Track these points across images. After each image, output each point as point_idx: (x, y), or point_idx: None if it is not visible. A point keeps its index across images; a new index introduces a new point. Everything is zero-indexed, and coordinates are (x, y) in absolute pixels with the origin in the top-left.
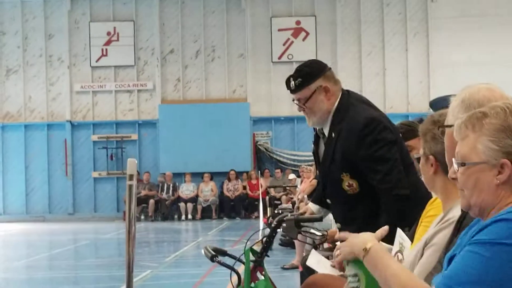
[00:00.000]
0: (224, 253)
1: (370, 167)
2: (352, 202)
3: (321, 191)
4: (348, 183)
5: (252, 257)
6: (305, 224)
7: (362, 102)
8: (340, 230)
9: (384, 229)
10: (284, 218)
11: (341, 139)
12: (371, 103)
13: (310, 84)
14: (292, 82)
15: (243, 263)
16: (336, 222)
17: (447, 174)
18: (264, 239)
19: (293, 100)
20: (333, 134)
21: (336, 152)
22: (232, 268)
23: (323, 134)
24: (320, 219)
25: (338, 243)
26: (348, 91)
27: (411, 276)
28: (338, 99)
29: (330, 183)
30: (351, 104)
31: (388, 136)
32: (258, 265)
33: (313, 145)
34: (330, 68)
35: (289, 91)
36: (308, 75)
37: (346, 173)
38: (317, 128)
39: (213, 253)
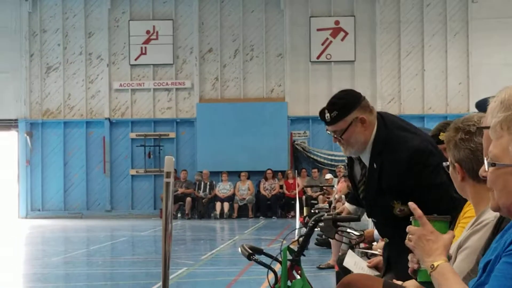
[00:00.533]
0: (260, 252)
1: (422, 195)
2: (402, 223)
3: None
4: (400, 209)
5: (289, 256)
6: (342, 223)
7: (400, 127)
8: (388, 244)
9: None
10: (322, 218)
11: (386, 171)
12: (407, 126)
13: (346, 117)
14: (327, 115)
15: (280, 262)
16: (382, 237)
17: (474, 179)
18: (301, 238)
19: (327, 130)
20: (374, 165)
21: (382, 183)
22: (269, 267)
23: (359, 159)
24: (357, 219)
25: (374, 243)
26: (381, 115)
27: None
28: (376, 128)
29: (378, 209)
30: (390, 132)
31: (434, 161)
32: (295, 264)
33: (347, 168)
34: (364, 98)
35: (324, 121)
36: (343, 108)
37: (397, 201)
38: None
39: (250, 251)
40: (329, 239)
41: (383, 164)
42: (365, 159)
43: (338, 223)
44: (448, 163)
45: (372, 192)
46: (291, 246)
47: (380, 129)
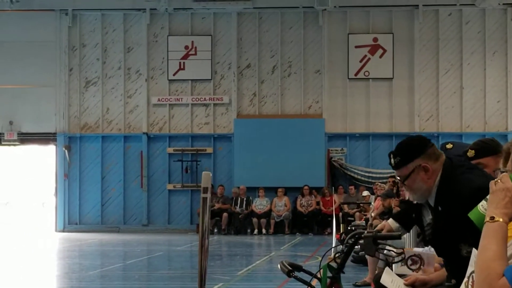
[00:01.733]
0: (300, 269)
1: None
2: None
3: (409, 216)
4: (467, 251)
5: (328, 273)
6: (383, 241)
7: (466, 169)
8: (455, 285)
9: None
10: (362, 235)
11: (450, 213)
12: (473, 166)
13: (408, 164)
14: (392, 160)
15: (319, 279)
16: (451, 277)
17: None
18: (341, 255)
19: (394, 176)
20: (439, 208)
21: (447, 225)
22: (309, 284)
23: (427, 202)
24: (398, 237)
25: (410, 261)
26: (451, 159)
27: (493, 260)
28: (440, 174)
29: (447, 251)
30: (455, 176)
31: None
32: (335, 281)
33: (413, 211)
34: (432, 145)
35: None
36: (406, 154)
37: (464, 243)
38: None
39: (290, 268)
40: (368, 256)
41: (447, 207)
42: (432, 201)
43: (379, 240)
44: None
45: (439, 234)
46: (330, 263)
47: (447, 173)
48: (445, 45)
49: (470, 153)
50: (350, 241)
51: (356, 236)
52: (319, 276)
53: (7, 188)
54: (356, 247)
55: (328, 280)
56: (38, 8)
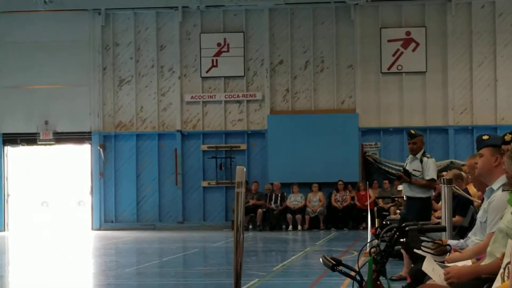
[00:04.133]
0: (339, 263)
1: None
2: None
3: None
4: None
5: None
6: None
7: None
8: None
9: None
10: (407, 227)
11: None
12: None
13: None
14: None
15: (356, 272)
16: None
17: None
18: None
19: None
20: None
21: None
22: (354, 278)
23: None
24: (443, 229)
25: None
26: None
27: None
28: None
29: None
30: None
31: None
32: (380, 275)
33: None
34: None
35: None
36: None
37: None
38: None
39: (334, 262)
40: (414, 249)
41: None
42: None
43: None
44: None
45: None
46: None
47: None
48: (478, 38)
49: (508, 137)
50: (395, 235)
51: (401, 228)
52: (356, 269)
53: (44, 187)
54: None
55: (374, 273)
56: (71, 8)
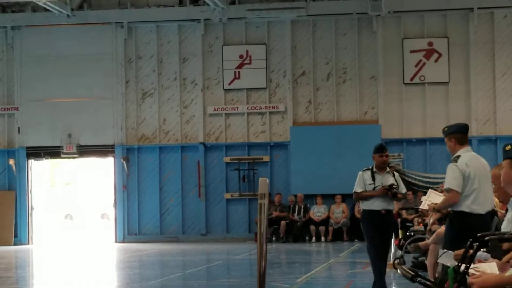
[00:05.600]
0: (417, 274)
1: None
2: None
3: None
4: None
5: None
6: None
7: None
8: None
9: None
10: (487, 238)
11: None
12: None
13: None
14: None
15: (433, 283)
16: None
17: None
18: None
19: None
20: None
21: None
22: (436, 286)
23: None
24: None
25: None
26: None
27: None
28: None
29: None
30: None
31: None
32: (461, 285)
33: None
34: None
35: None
36: None
37: None
38: None
39: (413, 273)
40: (496, 258)
41: None
42: None
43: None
44: None
45: None
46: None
47: None
48: (501, 48)
49: (508, 147)
50: (475, 245)
51: (482, 239)
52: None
53: (68, 200)
54: (480, 251)
55: (455, 284)
56: (94, 21)
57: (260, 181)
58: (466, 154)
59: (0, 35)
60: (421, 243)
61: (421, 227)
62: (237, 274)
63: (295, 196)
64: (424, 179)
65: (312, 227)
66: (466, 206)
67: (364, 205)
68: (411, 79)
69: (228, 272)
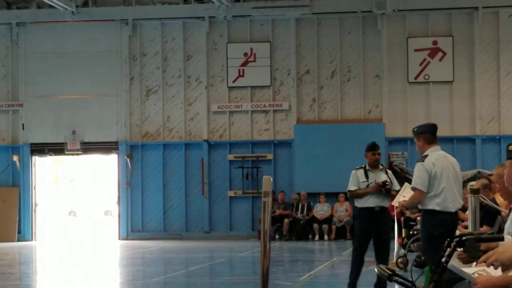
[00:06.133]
0: (394, 273)
1: None
2: None
3: None
4: None
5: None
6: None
7: None
8: None
9: None
10: (463, 238)
11: None
12: None
13: None
14: None
15: (414, 284)
16: None
17: None
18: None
19: None
20: None
21: None
22: (413, 285)
23: None
24: (501, 238)
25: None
26: None
27: None
28: None
29: None
30: None
31: None
32: (438, 285)
33: None
34: None
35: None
36: None
37: None
38: None
39: (390, 272)
40: (473, 259)
41: None
42: None
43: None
44: None
45: None
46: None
47: None
48: (506, 47)
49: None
50: (453, 244)
51: (458, 239)
52: (410, 280)
53: (71, 197)
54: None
55: (431, 284)
56: (98, 18)
57: (264, 179)
58: (434, 154)
59: (5, 31)
60: None
61: None
62: (240, 272)
63: (299, 194)
64: None
65: (316, 225)
66: (436, 204)
67: (358, 203)
68: (416, 78)
69: (231, 269)
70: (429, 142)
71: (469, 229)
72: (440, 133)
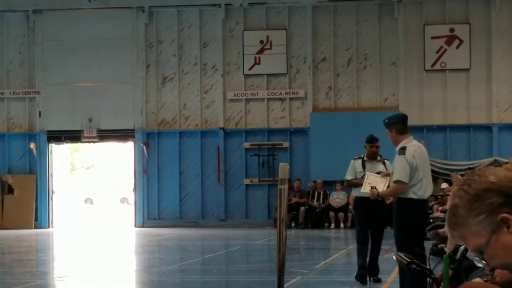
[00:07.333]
0: (413, 261)
1: None
2: None
3: None
4: None
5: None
6: None
7: None
8: None
9: None
10: None
11: None
12: None
13: None
14: None
15: (429, 272)
16: None
17: None
18: (463, 247)
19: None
20: None
21: None
22: (429, 276)
23: None
24: None
25: None
26: None
27: None
28: None
29: None
30: None
31: None
32: (457, 272)
33: None
34: None
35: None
36: None
37: None
38: None
39: (409, 260)
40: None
41: None
42: None
43: None
44: None
45: None
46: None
47: None
48: None
49: None
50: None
51: None
52: (428, 267)
53: (88, 184)
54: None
55: (450, 271)
56: (115, 5)
57: (281, 166)
58: (411, 145)
59: (21, 18)
60: (440, 230)
61: (440, 214)
62: (256, 260)
63: (315, 182)
64: (445, 166)
65: (331, 214)
66: (413, 193)
67: (355, 192)
68: (432, 66)
69: (247, 257)
70: (401, 133)
71: None
72: (456, 121)
